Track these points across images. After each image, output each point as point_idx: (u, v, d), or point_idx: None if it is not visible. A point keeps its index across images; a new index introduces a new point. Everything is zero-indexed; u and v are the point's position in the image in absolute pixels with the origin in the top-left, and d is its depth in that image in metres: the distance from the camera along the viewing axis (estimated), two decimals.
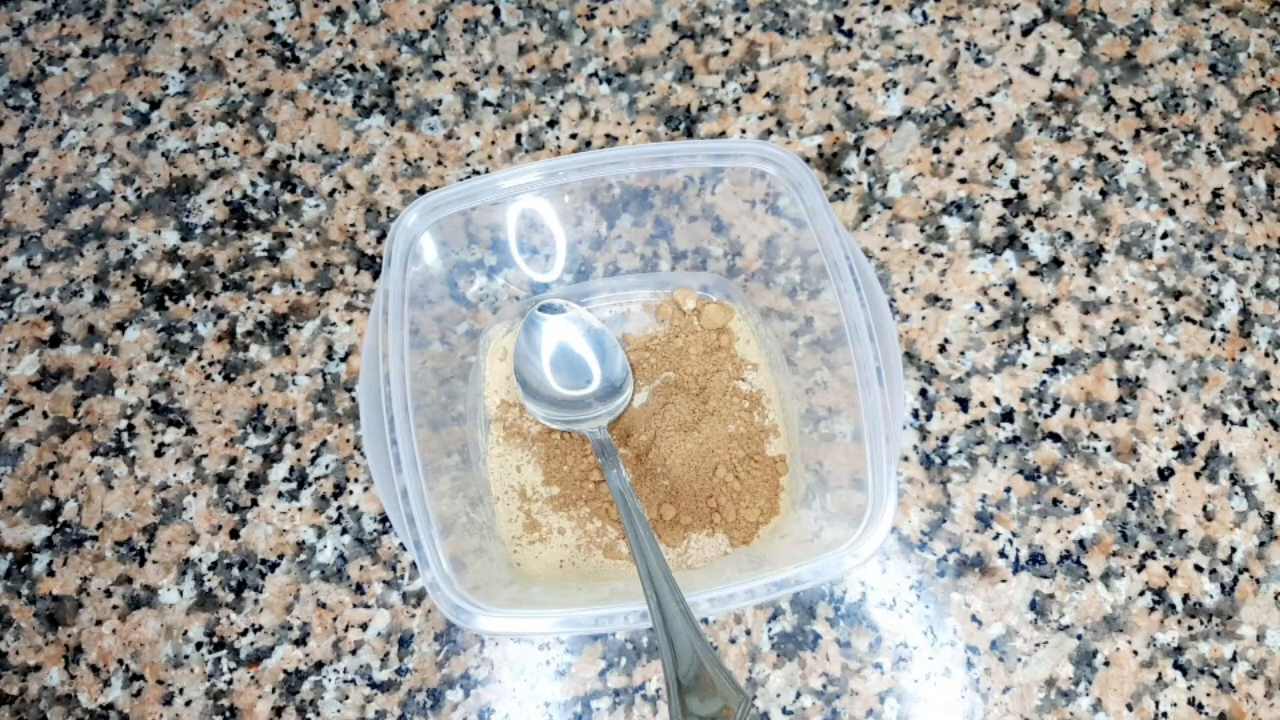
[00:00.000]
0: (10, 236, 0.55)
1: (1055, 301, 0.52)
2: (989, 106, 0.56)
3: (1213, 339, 0.52)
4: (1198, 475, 0.49)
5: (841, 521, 0.40)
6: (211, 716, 0.46)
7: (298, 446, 0.50)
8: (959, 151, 0.55)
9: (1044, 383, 0.51)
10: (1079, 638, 0.47)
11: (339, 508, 0.49)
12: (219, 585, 0.48)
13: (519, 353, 0.49)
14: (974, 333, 0.52)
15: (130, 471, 0.50)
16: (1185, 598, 0.47)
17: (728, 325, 0.51)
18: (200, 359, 0.52)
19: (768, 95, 0.57)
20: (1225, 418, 0.50)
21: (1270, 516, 0.49)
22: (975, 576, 0.48)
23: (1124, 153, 0.55)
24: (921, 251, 0.53)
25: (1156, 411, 0.50)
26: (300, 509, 0.49)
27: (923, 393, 0.51)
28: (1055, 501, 0.49)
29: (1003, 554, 0.48)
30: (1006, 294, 0.53)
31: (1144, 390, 0.51)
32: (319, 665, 0.47)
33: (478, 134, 0.56)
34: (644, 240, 0.50)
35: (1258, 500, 0.49)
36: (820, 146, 0.55)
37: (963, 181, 0.55)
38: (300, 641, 0.47)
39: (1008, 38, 0.58)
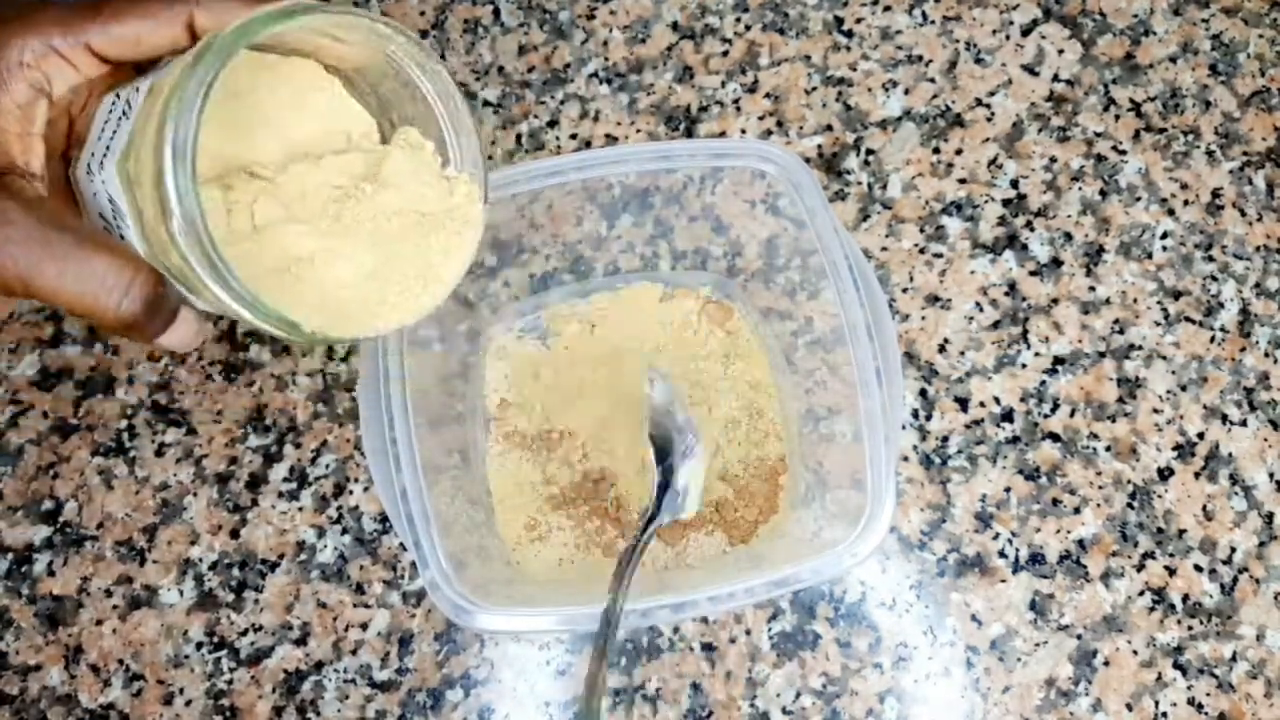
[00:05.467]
0: None
1: (1055, 301, 0.52)
2: (989, 106, 0.56)
3: (1212, 339, 0.52)
4: (1197, 475, 0.49)
5: (841, 521, 0.40)
6: (211, 716, 0.46)
7: (298, 446, 0.50)
8: (959, 151, 0.55)
9: (1044, 383, 0.51)
10: (1079, 638, 0.47)
11: (339, 507, 0.49)
12: (219, 585, 0.48)
13: None
14: (974, 333, 0.52)
15: (130, 471, 0.50)
16: (1185, 598, 0.47)
17: (728, 325, 0.51)
18: (200, 359, 0.52)
19: (768, 95, 0.57)
20: (1225, 418, 0.50)
21: (1270, 516, 0.49)
22: (975, 576, 0.48)
23: (1124, 153, 0.55)
24: (921, 251, 0.53)
25: (1156, 411, 0.50)
26: (300, 509, 0.49)
27: (923, 393, 0.51)
28: (1055, 501, 0.49)
29: (1002, 554, 0.48)
30: (1006, 294, 0.53)
31: (1144, 390, 0.51)
32: (319, 665, 0.47)
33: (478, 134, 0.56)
34: (644, 240, 0.50)
35: (1257, 500, 0.49)
36: (820, 146, 0.55)
37: (962, 181, 0.55)
38: (300, 641, 0.47)
39: (1007, 38, 0.58)
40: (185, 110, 0.26)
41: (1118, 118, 0.56)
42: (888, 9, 0.58)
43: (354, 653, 0.47)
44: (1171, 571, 0.48)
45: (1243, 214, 0.54)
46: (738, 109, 0.56)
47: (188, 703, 0.47)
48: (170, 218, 0.26)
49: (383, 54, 0.32)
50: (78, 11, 0.29)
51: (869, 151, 0.55)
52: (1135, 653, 0.47)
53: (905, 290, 0.53)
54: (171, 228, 0.26)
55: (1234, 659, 0.47)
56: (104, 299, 0.28)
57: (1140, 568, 0.48)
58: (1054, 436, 0.50)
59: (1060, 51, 0.57)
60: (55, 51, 0.28)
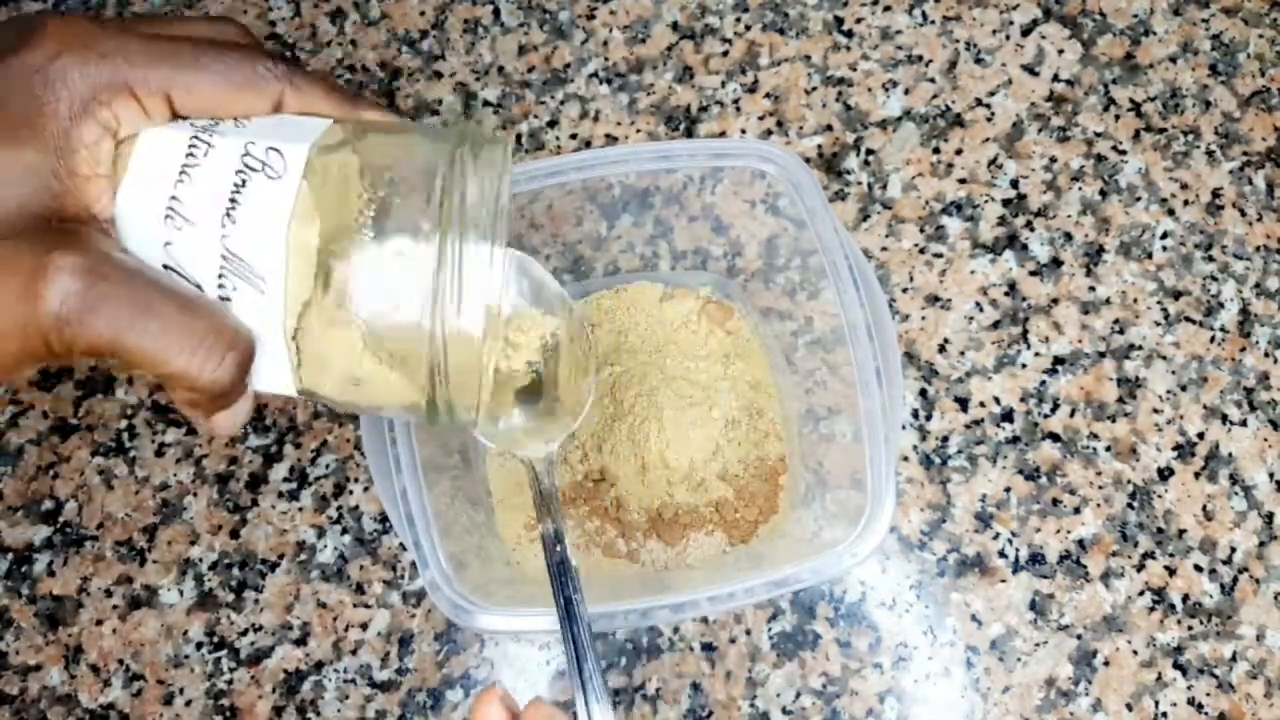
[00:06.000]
0: None
1: (1055, 301, 0.52)
2: (989, 106, 0.56)
3: (1212, 339, 0.52)
4: (1197, 475, 0.49)
5: (840, 521, 0.40)
6: (211, 716, 0.46)
7: (298, 446, 0.50)
8: (959, 151, 0.55)
9: (1044, 383, 0.51)
10: (1079, 638, 0.47)
11: (339, 507, 0.49)
12: (219, 585, 0.48)
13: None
14: (974, 333, 0.52)
15: (130, 471, 0.50)
16: (1185, 598, 0.47)
17: (728, 325, 0.51)
18: None
19: (768, 95, 0.57)
20: (1225, 418, 0.50)
21: (1270, 516, 0.49)
22: (975, 576, 0.48)
23: (1124, 153, 0.55)
24: (921, 251, 0.53)
25: (1156, 411, 0.50)
26: (300, 509, 0.49)
27: (923, 393, 0.51)
28: (1055, 501, 0.49)
29: (1002, 554, 0.48)
30: (1006, 294, 0.53)
31: (1144, 390, 0.51)
32: (319, 665, 0.47)
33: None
34: (644, 240, 0.50)
35: (1257, 500, 0.49)
36: (820, 146, 0.55)
37: (962, 181, 0.55)
38: (300, 641, 0.47)
39: (1007, 38, 0.58)
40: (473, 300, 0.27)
41: (1118, 118, 0.56)
42: (888, 9, 0.58)
43: (354, 653, 0.47)
44: (1171, 571, 0.48)
45: (1243, 214, 0.54)
46: (738, 109, 0.56)
47: (188, 703, 0.47)
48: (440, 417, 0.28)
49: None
50: (163, 56, 0.27)
51: (869, 151, 0.55)
52: (1135, 653, 0.47)
53: (905, 290, 0.53)
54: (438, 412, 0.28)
55: (1234, 659, 0.47)
56: (199, 365, 0.26)
57: (1140, 568, 0.48)
58: (1054, 436, 0.50)
59: (1060, 51, 0.57)
60: (131, 93, 0.27)
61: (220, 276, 0.27)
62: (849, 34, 0.58)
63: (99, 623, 0.48)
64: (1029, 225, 0.54)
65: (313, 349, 0.28)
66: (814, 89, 0.57)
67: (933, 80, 0.57)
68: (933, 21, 0.58)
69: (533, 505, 0.49)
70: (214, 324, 0.26)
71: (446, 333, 0.27)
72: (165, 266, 0.27)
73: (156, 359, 0.26)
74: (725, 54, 0.58)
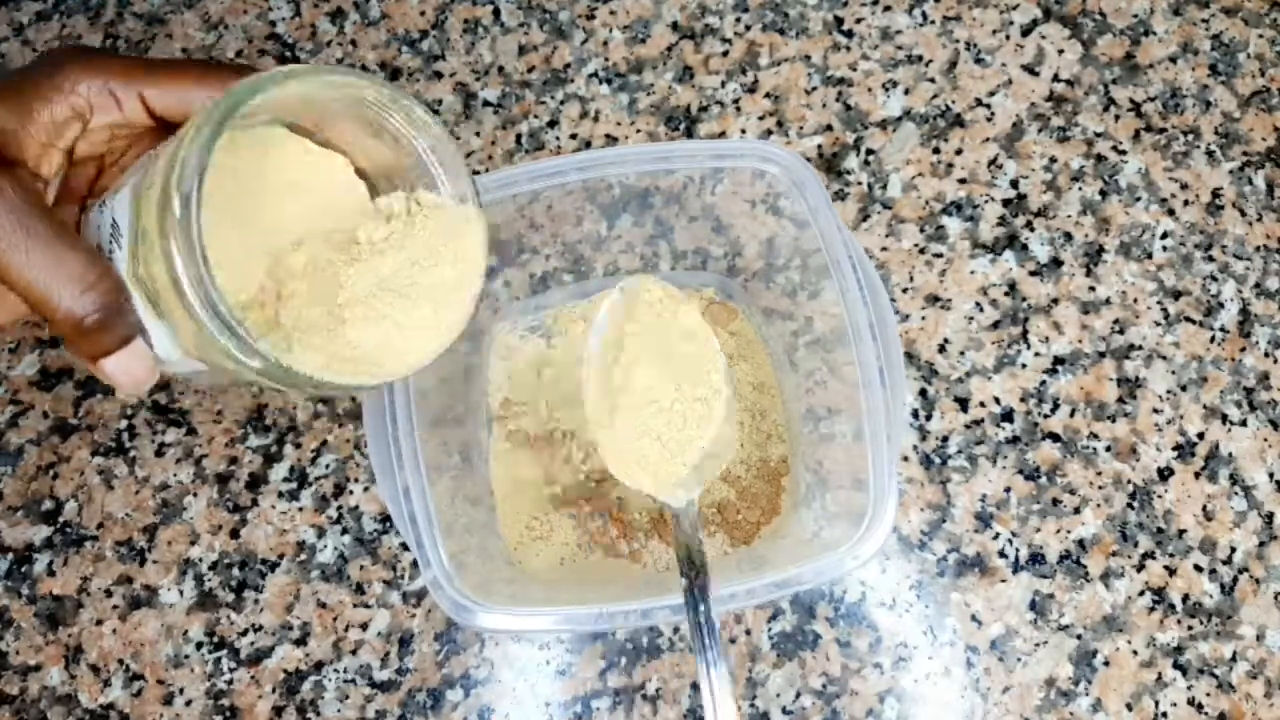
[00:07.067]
0: None
1: (1055, 301, 0.52)
2: (989, 106, 0.56)
3: (1212, 339, 0.52)
4: (1197, 475, 0.49)
5: (842, 522, 0.40)
6: (212, 716, 0.46)
7: (298, 446, 0.50)
8: (959, 151, 0.55)
9: (1044, 383, 0.51)
10: (1079, 637, 0.47)
11: (339, 507, 0.49)
12: (219, 585, 0.48)
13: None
14: (974, 333, 0.52)
15: (130, 471, 0.50)
16: (1185, 598, 0.47)
17: (731, 326, 0.51)
18: None
19: (768, 95, 0.57)
20: (1225, 418, 0.50)
21: (1270, 516, 0.49)
22: (975, 576, 0.48)
23: (1124, 153, 0.55)
24: (921, 251, 0.53)
25: (1156, 411, 0.50)
26: (300, 509, 0.49)
27: (923, 393, 0.51)
28: (1055, 501, 0.49)
29: (1002, 554, 0.48)
30: (1006, 294, 0.53)
31: (1144, 390, 0.51)
32: (319, 665, 0.47)
33: (478, 134, 0.56)
34: (644, 240, 0.50)
35: (1257, 500, 0.49)
36: (820, 146, 0.55)
37: (962, 181, 0.55)
38: (300, 641, 0.47)
39: (1007, 38, 0.58)
40: (188, 174, 0.26)
41: (1118, 118, 0.56)
42: (888, 9, 0.58)
43: (354, 653, 0.47)
44: (1171, 571, 0.48)
45: (1243, 214, 0.54)
46: (738, 109, 0.56)
47: (188, 703, 0.47)
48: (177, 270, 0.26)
49: (370, 115, 0.33)
50: (144, 63, 0.31)
51: (869, 151, 0.55)
52: (1135, 653, 0.47)
53: (905, 290, 0.53)
54: (176, 275, 0.26)
55: (1234, 659, 0.47)
56: (60, 291, 0.28)
57: (1140, 568, 0.48)
58: (1054, 436, 0.50)
59: (1060, 51, 0.57)
60: (109, 91, 0.30)
61: (110, 241, 0.29)
62: (849, 34, 0.58)
63: (99, 623, 0.48)
64: (1029, 225, 0.54)
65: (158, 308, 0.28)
66: (814, 89, 0.57)
67: (933, 80, 0.57)
68: (933, 21, 0.58)
69: (540, 507, 0.49)
70: (85, 260, 0.28)
71: (196, 293, 0.26)
72: (98, 246, 0.29)
73: (23, 278, 0.27)
74: (725, 54, 0.58)
